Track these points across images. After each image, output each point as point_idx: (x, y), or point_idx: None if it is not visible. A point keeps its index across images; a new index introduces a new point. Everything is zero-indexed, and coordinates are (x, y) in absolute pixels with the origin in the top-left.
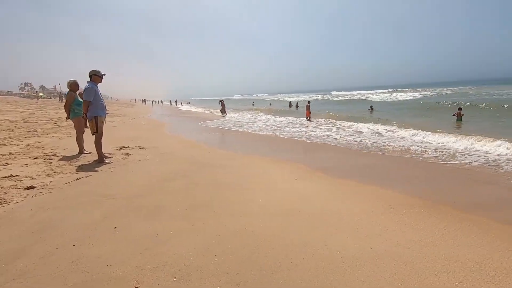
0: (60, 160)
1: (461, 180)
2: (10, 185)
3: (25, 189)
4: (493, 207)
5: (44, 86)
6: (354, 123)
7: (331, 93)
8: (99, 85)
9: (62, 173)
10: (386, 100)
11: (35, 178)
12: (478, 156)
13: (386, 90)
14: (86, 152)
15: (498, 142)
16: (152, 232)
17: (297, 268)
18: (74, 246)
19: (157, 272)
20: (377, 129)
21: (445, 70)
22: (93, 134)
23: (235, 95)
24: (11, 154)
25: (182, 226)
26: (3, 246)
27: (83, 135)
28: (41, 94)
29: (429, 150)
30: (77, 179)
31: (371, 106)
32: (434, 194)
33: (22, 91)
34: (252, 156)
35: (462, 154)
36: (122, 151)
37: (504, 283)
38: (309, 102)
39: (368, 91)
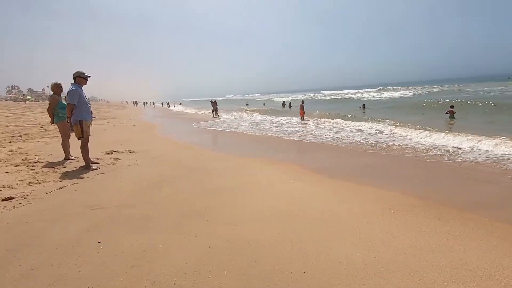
0: (44, 167)
1: (461, 179)
2: None
3: (2, 200)
4: (494, 206)
5: (32, 89)
6: (349, 122)
7: (321, 93)
8: (84, 87)
9: (45, 181)
10: (377, 98)
11: (15, 188)
12: (478, 154)
13: (375, 89)
14: (72, 157)
15: (495, 141)
16: (139, 247)
17: (297, 284)
18: (52, 266)
19: None
20: (373, 128)
21: (434, 69)
22: (78, 139)
23: (227, 96)
24: None
25: (173, 238)
26: None
27: (69, 139)
28: (28, 97)
29: (427, 149)
30: (61, 187)
31: (363, 105)
32: (434, 194)
33: (9, 94)
34: (247, 157)
35: (462, 153)
36: (110, 155)
37: None
38: (303, 101)
39: (358, 90)
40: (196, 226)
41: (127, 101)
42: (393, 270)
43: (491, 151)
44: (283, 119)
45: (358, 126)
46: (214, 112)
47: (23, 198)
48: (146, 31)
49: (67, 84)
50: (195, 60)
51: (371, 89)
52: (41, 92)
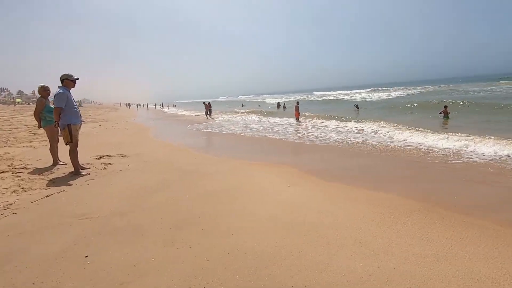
0: (31, 173)
1: (459, 181)
2: None
3: None
4: (495, 209)
5: (22, 91)
6: (344, 123)
7: (313, 94)
8: (76, 89)
9: (31, 189)
10: (370, 99)
11: None
12: (475, 154)
13: (368, 90)
14: (61, 163)
15: (492, 141)
16: (130, 261)
17: None
18: (33, 285)
19: None
20: (370, 128)
21: (426, 70)
22: (66, 144)
23: (220, 97)
24: None
25: (166, 251)
26: None
27: (58, 144)
28: (18, 99)
29: (424, 150)
30: (47, 196)
31: (357, 105)
32: (433, 196)
33: None
34: (243, 160)
35: (460, 153)
36: (101, 160)
37: None
38: (298, 102)
39: (351, 91)
40: (190, 236)
41: (120, 103)
42: (399, 281)
43: (489, 151)
44: (282, 120)
45: (356, 126)
46: (208, 114)
47: (6, 208)
48: (138, 32)
49: (56, 87)
50: (189, 62)
51: (363, 90)
52: (31, 94)
